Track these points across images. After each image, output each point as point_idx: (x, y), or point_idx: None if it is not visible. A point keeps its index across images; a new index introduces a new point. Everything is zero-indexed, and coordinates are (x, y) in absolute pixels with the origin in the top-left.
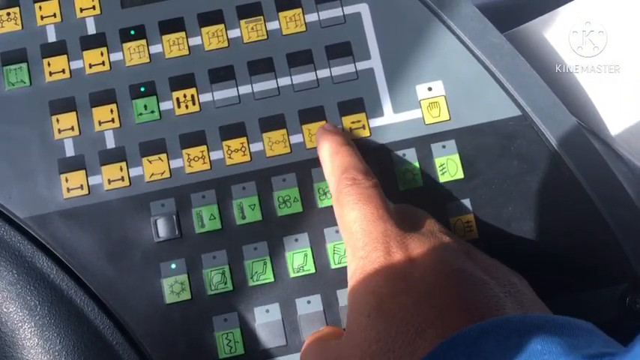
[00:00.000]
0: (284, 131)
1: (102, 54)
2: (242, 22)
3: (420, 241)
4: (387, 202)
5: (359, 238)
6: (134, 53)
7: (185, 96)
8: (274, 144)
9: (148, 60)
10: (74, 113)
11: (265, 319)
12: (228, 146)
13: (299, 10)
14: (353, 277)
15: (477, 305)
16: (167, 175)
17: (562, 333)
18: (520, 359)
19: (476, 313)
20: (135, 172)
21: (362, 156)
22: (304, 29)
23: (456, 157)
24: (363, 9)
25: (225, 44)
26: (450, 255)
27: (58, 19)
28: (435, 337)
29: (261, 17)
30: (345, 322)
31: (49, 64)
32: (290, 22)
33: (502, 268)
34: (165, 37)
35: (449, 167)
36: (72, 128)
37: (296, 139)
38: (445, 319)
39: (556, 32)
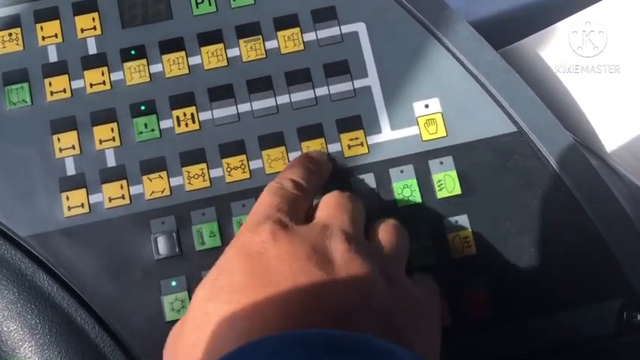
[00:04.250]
0: (283, 149)
1: (103, 73)
2: (241, 41)
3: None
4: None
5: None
6: (134, 73)
7: (185, 114)
8: (273, 161)
9: (149, 79)
10: (75, 132)
11: None
12: (228, 164)
13: (297, 30)
14: None
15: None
16: (167, 192)
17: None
18: None
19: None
20: (135, 190)
21: (360, 173)
22: (302, 48)
23: (453, 173)
24: (360, 28)
25: (225, 63)
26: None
27: (60, 39)
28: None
29: (260, 36)
30: None
31: (50, 84)
32: (288, 41)
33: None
34: (165, 57)
35: (446, 183)
36: (73, 147)
37: (294, 156)
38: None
39: (551, 48)
